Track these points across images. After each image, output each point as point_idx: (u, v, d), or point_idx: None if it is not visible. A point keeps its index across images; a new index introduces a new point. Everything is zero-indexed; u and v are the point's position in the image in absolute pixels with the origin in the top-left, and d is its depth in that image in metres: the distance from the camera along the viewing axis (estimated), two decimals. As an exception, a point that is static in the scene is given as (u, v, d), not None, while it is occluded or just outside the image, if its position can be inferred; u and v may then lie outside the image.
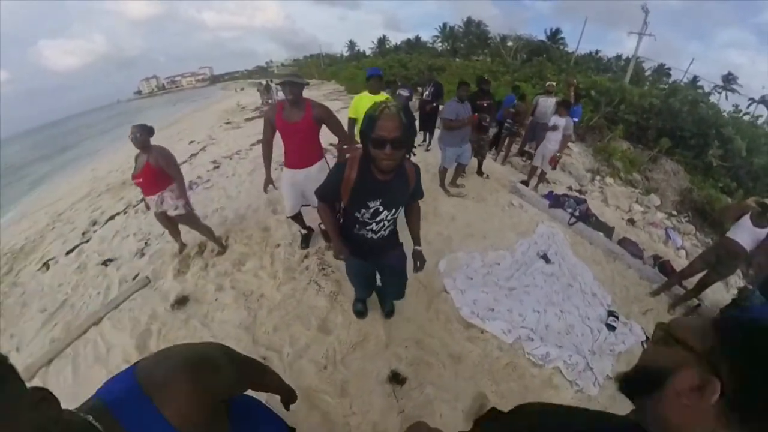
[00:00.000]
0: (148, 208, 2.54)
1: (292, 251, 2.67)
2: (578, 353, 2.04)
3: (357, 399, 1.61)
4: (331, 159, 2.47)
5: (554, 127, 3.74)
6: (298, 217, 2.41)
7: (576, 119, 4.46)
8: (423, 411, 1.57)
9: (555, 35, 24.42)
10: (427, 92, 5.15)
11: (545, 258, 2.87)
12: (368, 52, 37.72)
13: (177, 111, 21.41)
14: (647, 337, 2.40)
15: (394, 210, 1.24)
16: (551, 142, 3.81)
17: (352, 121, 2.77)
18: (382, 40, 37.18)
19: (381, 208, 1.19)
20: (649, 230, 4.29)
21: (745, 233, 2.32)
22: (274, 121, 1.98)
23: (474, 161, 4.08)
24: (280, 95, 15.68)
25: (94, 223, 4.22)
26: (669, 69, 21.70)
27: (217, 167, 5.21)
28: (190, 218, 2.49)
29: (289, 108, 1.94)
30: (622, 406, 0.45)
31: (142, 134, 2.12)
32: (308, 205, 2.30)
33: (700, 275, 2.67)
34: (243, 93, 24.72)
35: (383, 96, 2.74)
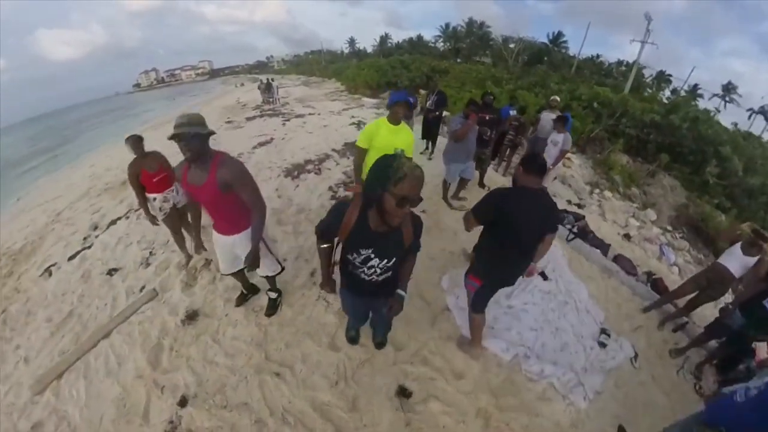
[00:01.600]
0: (147, 211, 2.54)
1: (299, 266, 2.69)
2: (571, 370, 2.15)
3: (367, 413, 1.70)
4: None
5: (554, 143, 3.83)
6: (238, 275, 2.04)
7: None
8: (428, 424, 1.68)
9: (557, 38, 24.37)
10: (430, 101, 5.18)
11: (543, 275, 2.95)
12: (369, 50, 37.43)
13: (177, 105, 21.21)
14: (636, 354, 2.51)
15: (386, 260, 1.21)
16: (549, 157, 3.89)
17: (362, 152, 2.24)
18: (383, 38, 36.90)
19: (372, 256, 1.18)
20: (644, 246, 4.39)
21: (734, 261, 2.45)
22: (182, 183, 1.58)
23: (476, 174, 4.15)
24: (282, 93, 15.51)
25: (96, 228, 4.19)
26: (670, 76, 21.79)
27: None
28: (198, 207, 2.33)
29: (193, 167, 1.50)
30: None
31: (139, 142, 2.36)
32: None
33: (691, 296, 2.78)
34: (243, 89, 24.45)
35: (405, 131, 2.21)
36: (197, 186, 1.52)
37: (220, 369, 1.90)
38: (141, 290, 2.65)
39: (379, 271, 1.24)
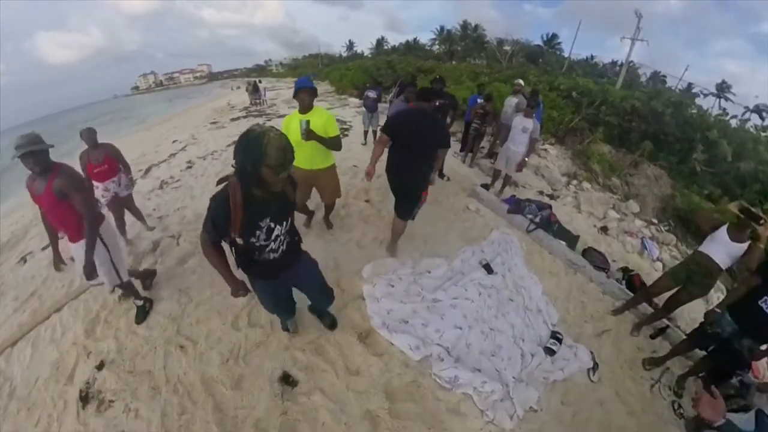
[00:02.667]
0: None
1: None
2: (498, 380, 1.76)
3: (248, 394, 1.70)
4: None
5: (524, 129, 3.41)
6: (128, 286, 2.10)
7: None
8: (306, 416, 1.60)
9: (551, 40, 24.28)
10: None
11: (488, 267, 2.56)
12: (367, 53, 37.80)
13: (172, 107, 21.79)
14: (596, 365, 2.07)
15: (285, 222, 1.27)
16: (518, 144, 3.49)
17: None
18: (379, 42, 37.25)
19: (273, 225, 1.22)
20: (624, 239, 3.96)
21: (720, 248, 1.98)
22: (30, 194, 1.73)
23: None
24: (270, 95, 15.70)
25: None
26: (665, 76, 21.46)
27: (190, 167, 5.29)
28: (131, 199, 3.03)
29: (38, 179, 1.68)
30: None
31: (92, 135, 2.65)
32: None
33: (670, 293, 2.33)
34: (238, 92, 24.82)
35: (320, 111, 2.19)
36: (38, 195, 1.67)
37: (138, 339, 2.04)
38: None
39: (282, 238, 1.29)
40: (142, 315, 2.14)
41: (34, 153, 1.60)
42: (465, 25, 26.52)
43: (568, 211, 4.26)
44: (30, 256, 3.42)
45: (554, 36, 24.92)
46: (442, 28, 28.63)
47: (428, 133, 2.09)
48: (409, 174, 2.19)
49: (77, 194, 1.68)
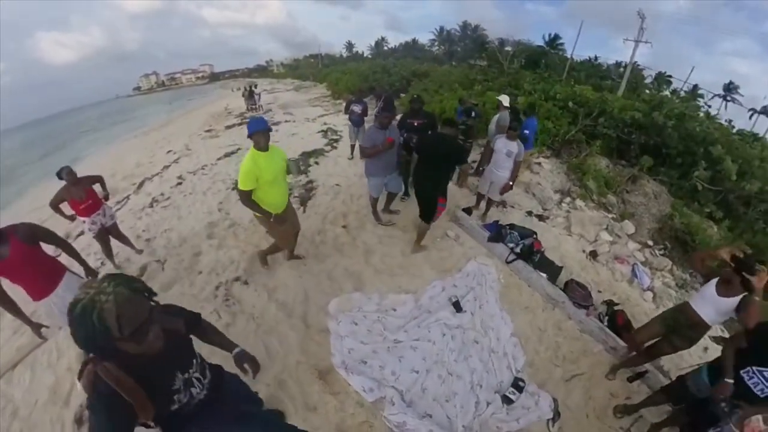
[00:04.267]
0: (72, 220, 2.87)
1: (209, 280, 2.88)
2: (447, 428, 1.73)
3: None
4: None
5: (508, 153, 3.22)
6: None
7: (527, 131, 3.92)
8: None
9: (553, 41, 23.72)
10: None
11: (456, 305, 2.47)
12: (366, 53, 37.58)
13: (171, 110, 22.08)
14: (556, 415, 1.92)
15: (193, 361, 1.06)
16: (502, 169, 3.32)
17: (249, 193, 2.12)
18: (379, 42, 37.03)
19: (180, 374, 0.98)
20: (613, 266, 3.75)
21: (707, 304, 1.80)
22: None
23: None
24: (267, 98, 15.81)
25: (67, 237, 4.20)
26: (670, 77, 20.80)
27: (180, 183, 5.39)
28: (116, 227, 3.16)
29: None
30: None
31: (71, 173, 2.68)
32: None
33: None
34: (237, 93, 25.00)
35: (277, 151, 2.25)
36: (4, 260, 1.63)
37: None
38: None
39: (201, 377, 1.07)
40: None
41: None
42: (465, 26, 26.14)
43: (557, 234, 4.07)
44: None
45: (556, 36, 24.34)
46: (441, 28, 28.38)
47: (445, 153, 2.63)
48: (428, 184, 2.72)
49: (43, 231, 1.80)
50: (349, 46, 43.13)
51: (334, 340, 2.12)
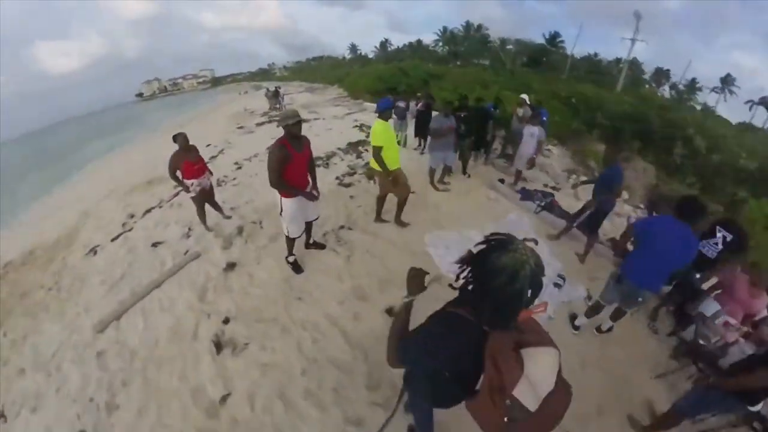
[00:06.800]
0: (187, 189, 3.26)
1: (314, 230, 3.19)
2: None
3: (364, 322, 2.27)
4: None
5: (531, 134, 4.42)
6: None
7: (545, 118, 5.13)
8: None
9: (554, 39, 24.85)
10: (420, 105, 6.14)
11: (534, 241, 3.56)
12: (371, 55, 38.55)
13: (180, 115, 21.32)
14: (589, 296, 3.03)
15: None
16: (528, 146, 4.51)
17: (377, 150, 2.86)
18: (383, 44, 38.03)
19: None
20: (612, 219, 4.93)
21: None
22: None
23: (459, 163, 4.91)
24: (287, 99, 16.63)
25: (132, 216, 4.82)
26: (668, 71, 21.95)
27: (240, 168, 5.91)
28: (213, 191, 3.59)
29: (293, 142, 2.22)
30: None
31: (185, 138, 3.14)
32: None
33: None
34: (247, 96, 24.45)
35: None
36: (299, 153, 2.30)
37: (255, 298, 2.45)
38: (185, 254, 3.31)
39: None
40: (298, 268, 2.72)
41: (300, 122, 2.19)
42: (468, 26, 27.26)
43: (568, 200, 5.23)
44: (99, 248, 3.85)
45: (556, 34, 25.41)
46: (445, 28, 29.36)
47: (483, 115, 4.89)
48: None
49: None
50: (353, 48, 44.14)
51: (435, 257, 3.03)
